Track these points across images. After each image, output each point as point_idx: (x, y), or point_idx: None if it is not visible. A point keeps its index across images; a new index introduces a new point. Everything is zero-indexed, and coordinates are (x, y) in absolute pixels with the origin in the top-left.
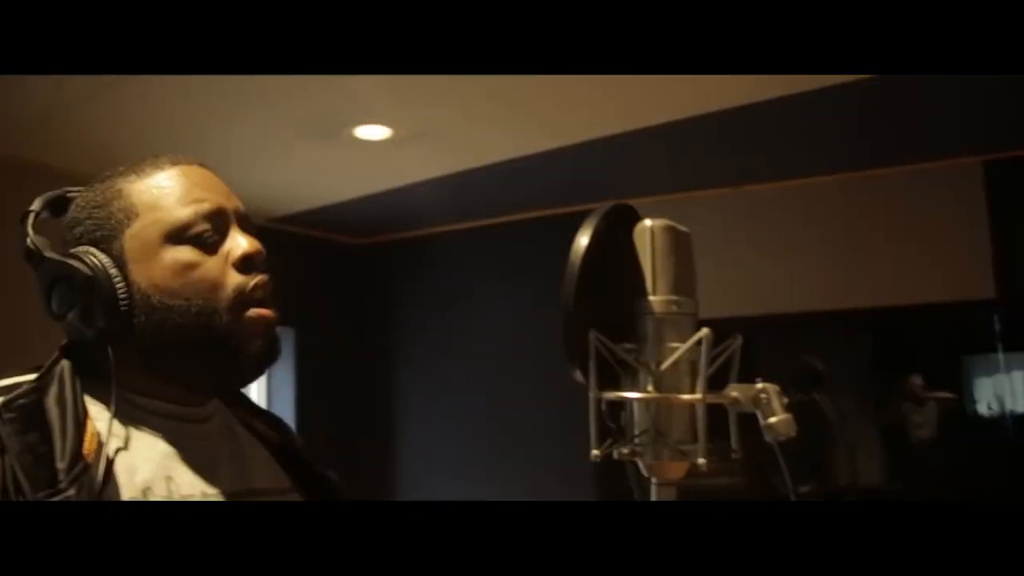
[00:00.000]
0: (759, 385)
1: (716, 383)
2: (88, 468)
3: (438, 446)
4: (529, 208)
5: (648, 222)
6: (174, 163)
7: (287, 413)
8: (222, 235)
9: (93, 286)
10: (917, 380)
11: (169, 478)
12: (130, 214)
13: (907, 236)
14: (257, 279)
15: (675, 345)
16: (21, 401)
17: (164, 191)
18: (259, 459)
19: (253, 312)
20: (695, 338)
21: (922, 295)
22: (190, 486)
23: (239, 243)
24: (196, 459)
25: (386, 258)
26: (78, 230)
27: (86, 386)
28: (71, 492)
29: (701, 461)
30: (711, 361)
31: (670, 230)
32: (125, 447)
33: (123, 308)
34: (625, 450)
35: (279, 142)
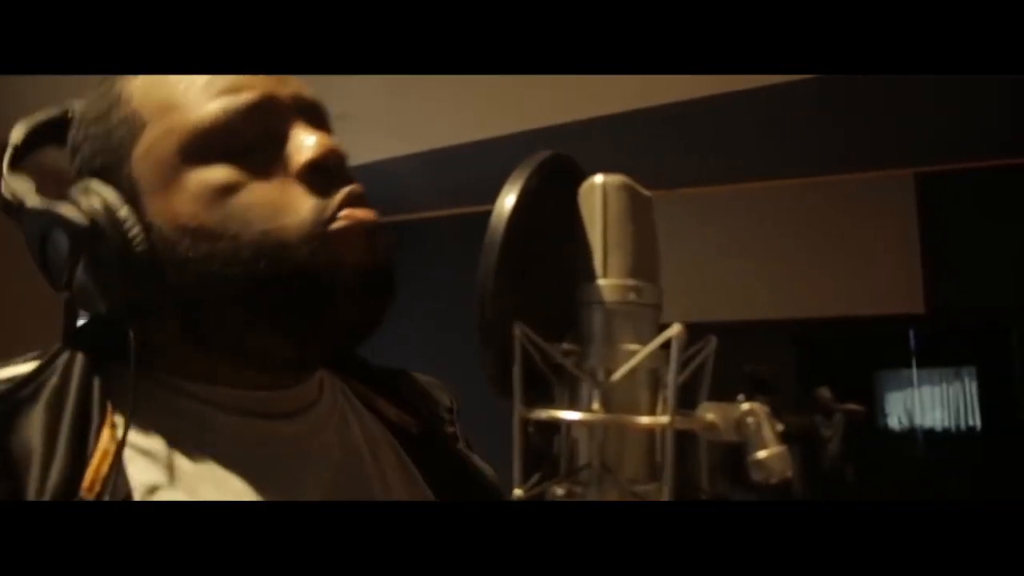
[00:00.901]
0: (744, 406)
1: (681, 400)
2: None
3: None
4: (460, 202)
5: (599, 178)
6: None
7: None
8: (277, 139)
9: (94, 238)
10: (826, 392)
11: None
12: (135, 125)
13: (837, 246)
14: (341, 193)
15: (632, 347)
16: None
17: (180, 82)
18: (385, 463)
19: (342, 219)
20: (662, 338)
21: (849, 307)
22: None
23: (303, 144)
24: (280, 478)
25: None
26: (76, 160)
27: (115, 377)
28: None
29: (645, 492)
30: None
31: (628, 190)
32: (165, 467)
33: (143, 263)
34: (560, 491)
35: None
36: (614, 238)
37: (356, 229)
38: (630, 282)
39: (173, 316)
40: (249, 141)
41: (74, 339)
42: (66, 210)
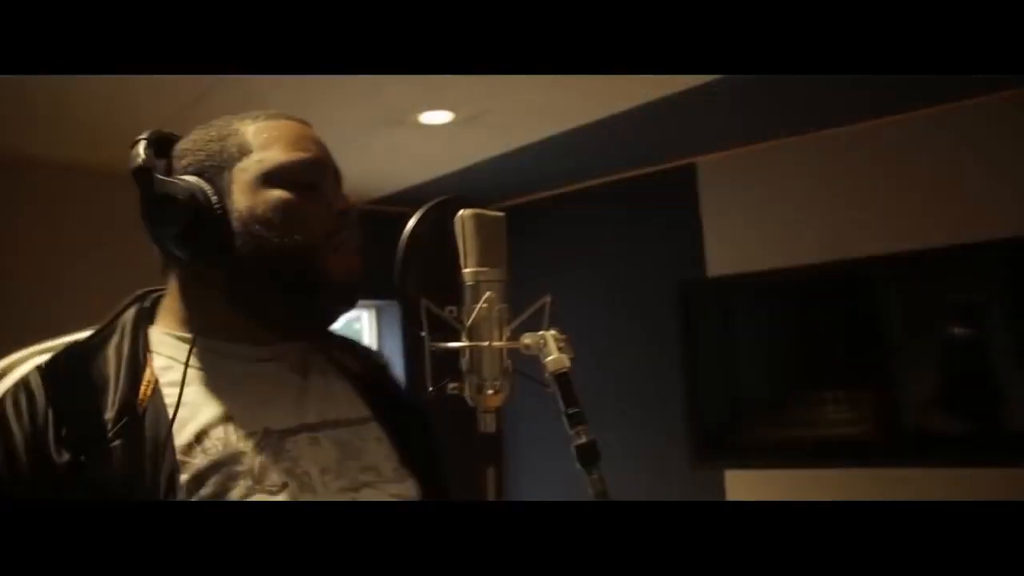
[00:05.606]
0: (541, 332)
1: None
2: (138, 418)
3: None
4: (603, 173)
5: (461, 212)
6: (286, 116)
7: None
8: (319, 185)
9: (200, 207)
10: None
11: (229, 418)
12: (244, 150)
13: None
14: (348, 229)
15: (478, 306)
16: (69, 357)
17: (277, 135)
18: (336, 391)
19: (342, 256)
20: (482, 300)
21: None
22: (251, 423)
23: (341, 196)
24: (260, 396)
25: None
26: (186, 160)
27: (156, 331)
28: (117, 443)
29: (496, 385)
30: (535, 315)
31: (477, 216)
32: (184, 392)
33: (225, 231)
34: (453, 385)
35: (355, 133)
36: (469, 245)
37: (352, 264)
38: (480, 269)
39: (222, 284)
40: (310, 180)
41: (135, 303)
42: (187, 184)
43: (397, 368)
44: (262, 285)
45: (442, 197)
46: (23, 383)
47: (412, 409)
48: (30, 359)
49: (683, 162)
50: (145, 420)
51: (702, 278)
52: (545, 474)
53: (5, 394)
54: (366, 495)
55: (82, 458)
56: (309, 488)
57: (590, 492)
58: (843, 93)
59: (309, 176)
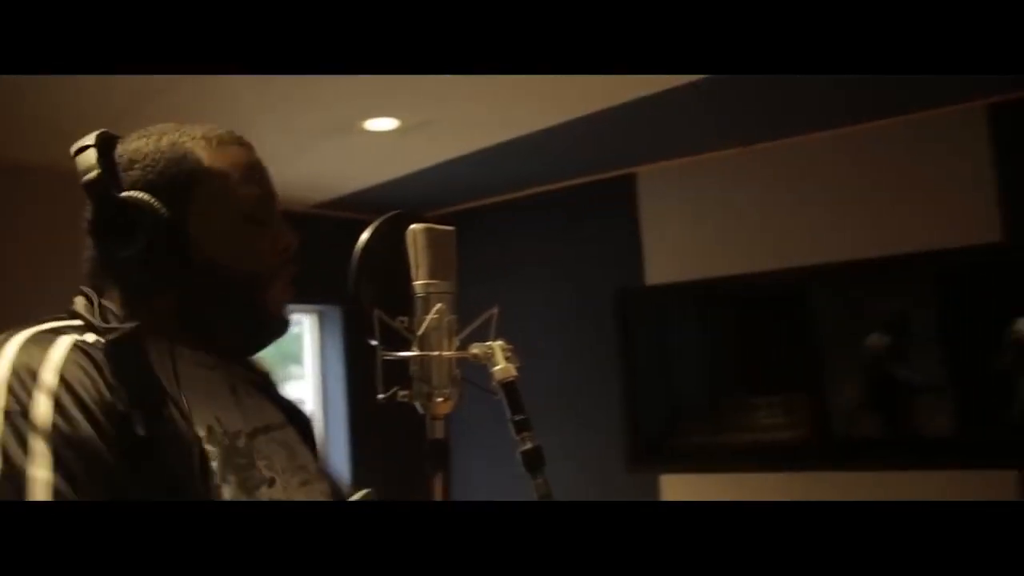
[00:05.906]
0: (488, 343)
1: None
2: (168, 403)
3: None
4: (546, 181)
5: (413, 226)
6: (233, 139)
7: (339, 389)
8: (269, 219)
9: (160, 228)
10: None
11: (217, 418)
12: (200, 176)
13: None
14: (289, 265)
15: (431, 316)
16: (121, 337)
17: (233, 163)
18: (256, 399)
19: (282, 286)
20: (432, 311)
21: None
22: (231, 424)
23: (288, 231)
24: (220, 401)
25: None
26: (136, 173)
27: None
28: (170, 425)
29: (445, 393)
30: (482, 325)
31: (428, 230)
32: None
33: (183, 254)
34: (403, 393)
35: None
36: (420, 258)
37: (289, 297)
38: (431, 281)
39: (171, 299)
40: (261, 213)
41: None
42: (152, 203)
43: (338, 373)
44: (213, 308)
45: (394, 212)
46: (70, 359)
47: (303, 413)
48: (61, 337)
49: (624, 171)
50: (177, 408)
51: (641, 286)
52: (492, 479)
53: (64, 364)
54: (309, 491)
55: (143, 425)
56: (282, 484)
57: (535, 496)
58: (782, 105)
59: (262, 209)
